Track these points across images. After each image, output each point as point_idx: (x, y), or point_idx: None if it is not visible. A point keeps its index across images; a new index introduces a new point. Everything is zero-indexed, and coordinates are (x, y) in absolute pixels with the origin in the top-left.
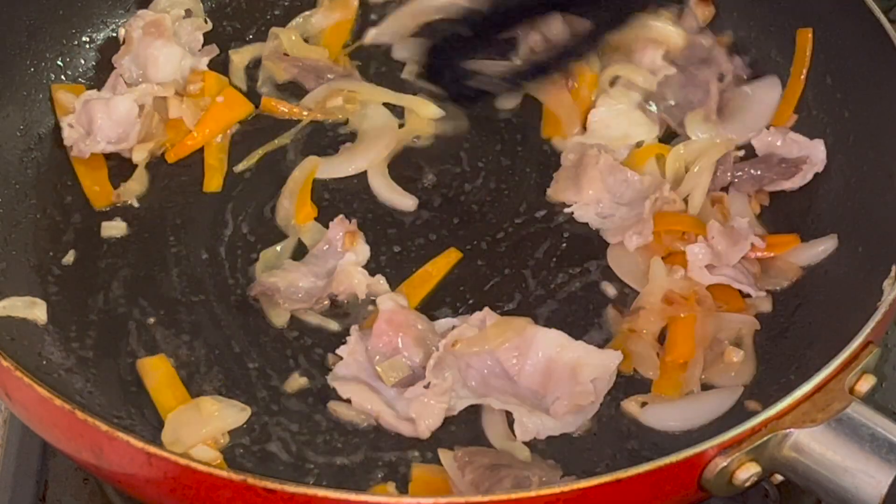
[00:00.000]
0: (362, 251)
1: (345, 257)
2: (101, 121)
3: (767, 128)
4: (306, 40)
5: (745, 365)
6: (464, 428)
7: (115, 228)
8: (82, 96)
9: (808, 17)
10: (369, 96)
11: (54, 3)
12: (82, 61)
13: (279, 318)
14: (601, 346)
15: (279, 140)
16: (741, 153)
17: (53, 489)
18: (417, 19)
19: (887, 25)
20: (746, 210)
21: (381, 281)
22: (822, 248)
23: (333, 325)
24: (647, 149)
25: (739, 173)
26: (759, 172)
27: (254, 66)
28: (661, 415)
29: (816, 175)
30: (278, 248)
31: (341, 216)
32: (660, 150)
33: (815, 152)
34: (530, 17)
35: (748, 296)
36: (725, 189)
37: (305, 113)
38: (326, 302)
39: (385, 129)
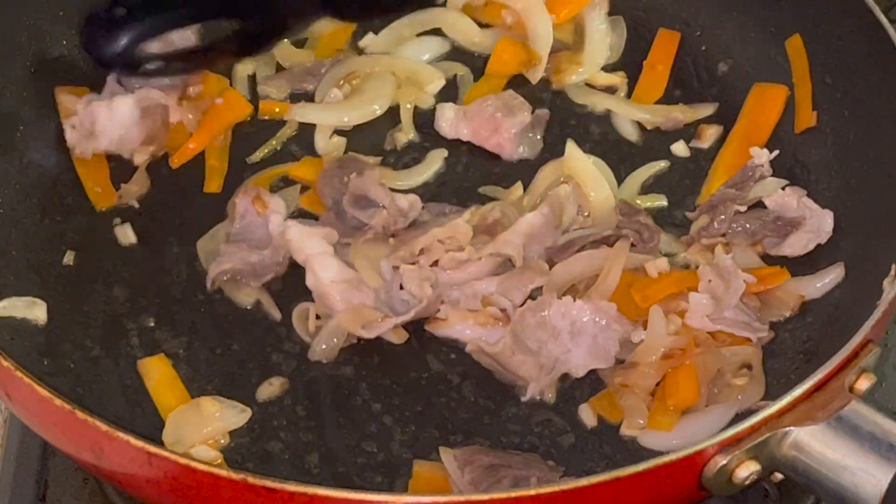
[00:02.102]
0: (278, 204)
1: (271, 221)
2: (103, 122)
3: (783, 188)
4: (304, 42)
5: (753, 386)
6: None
7: (125, 235)
8: (85, 98)
9: (807, 17)
10: (371, 67)
11: (54, 3)
12: (82, 62)
13: (248, 298)
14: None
15: (278, 139)
16: (743, 208)
17: (53, 489)
18: (415, 30)
19: (887, 25)
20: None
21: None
22: (829, 278)
23: (275, 314)
24: None
25: (735, 225)
26: (752, 227)
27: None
28: (660, 437)
29: (816, 176)
30: (213, 232)
31: (240, 189)
32: None
33: (821, 221)
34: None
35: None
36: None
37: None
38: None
39: (384, 89)
